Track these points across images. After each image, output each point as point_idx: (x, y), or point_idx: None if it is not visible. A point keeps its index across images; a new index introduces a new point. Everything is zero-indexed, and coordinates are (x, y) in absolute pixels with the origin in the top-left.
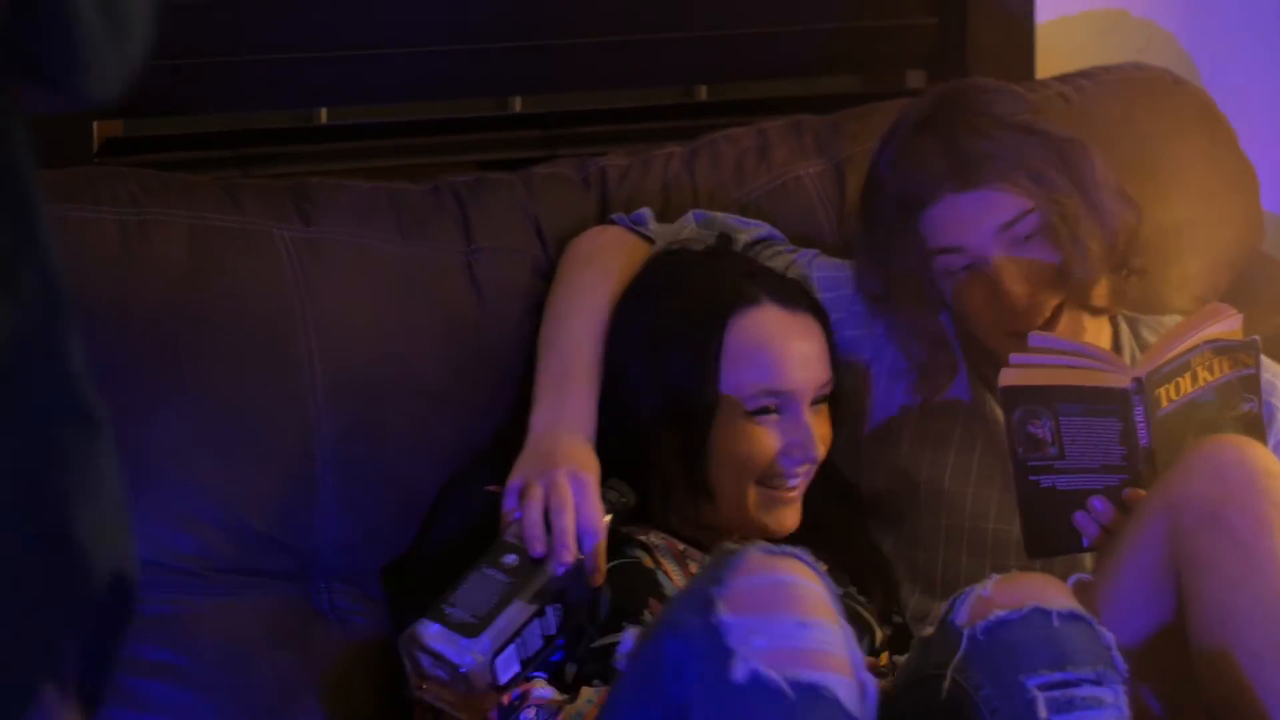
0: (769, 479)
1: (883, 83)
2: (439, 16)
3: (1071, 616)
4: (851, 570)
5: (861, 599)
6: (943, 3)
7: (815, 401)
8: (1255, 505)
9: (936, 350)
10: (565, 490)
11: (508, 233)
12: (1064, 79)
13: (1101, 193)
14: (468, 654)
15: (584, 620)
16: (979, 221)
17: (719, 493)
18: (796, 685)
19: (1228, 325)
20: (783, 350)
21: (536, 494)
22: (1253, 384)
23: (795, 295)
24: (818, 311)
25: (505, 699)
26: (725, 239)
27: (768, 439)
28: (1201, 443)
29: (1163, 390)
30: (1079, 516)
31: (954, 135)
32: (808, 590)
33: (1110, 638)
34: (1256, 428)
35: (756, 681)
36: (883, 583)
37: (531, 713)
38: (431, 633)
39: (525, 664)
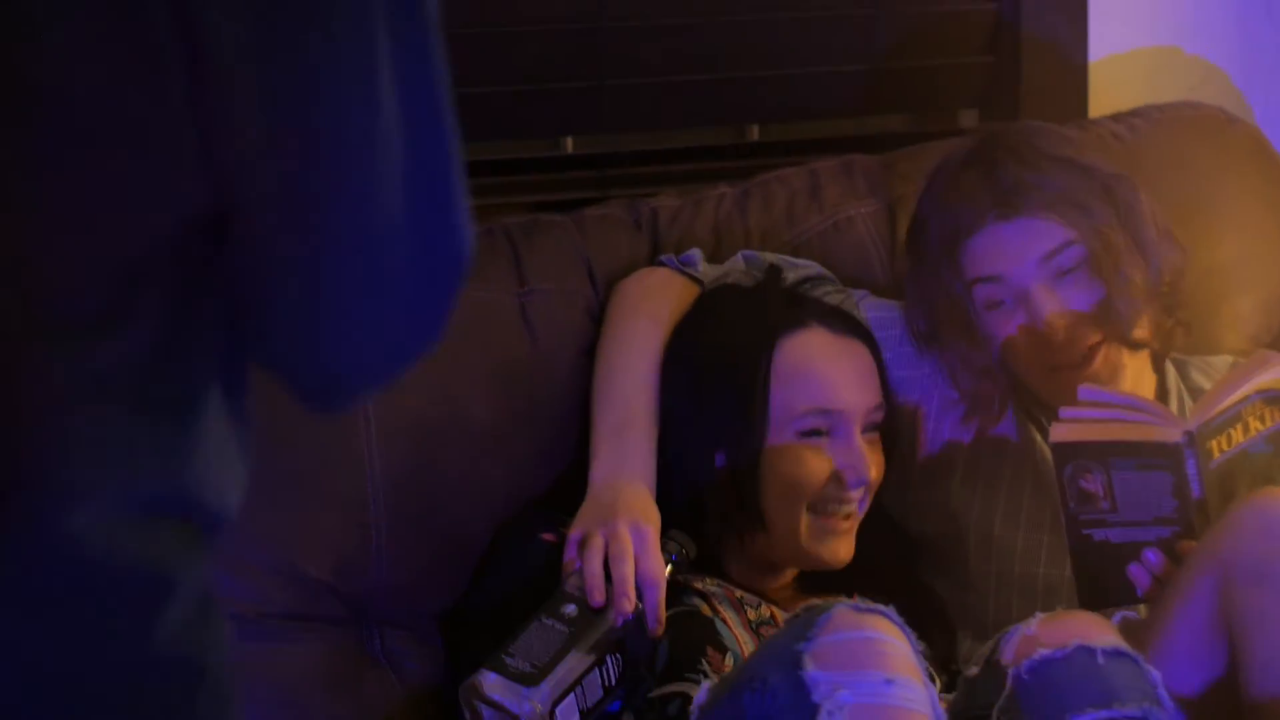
0: (821, 504)
1: (935, 122)
2: (489, 56)
3: (1117, 654)
4: (908, 615)
5: (920, 645)
6: (996, 42)
7: (866, 430)
8: None
9: (985, 381)
10: (626, 540)
11: (560, 274)
12: (1117, 118)
13: (1147, 229)
14: (527, 703)
15: (643, 671)
16: (1021, 251)
17: (771, 521)
18: None
19: (1278, 373)
20: (832, 369)
21: (597, 544)
22: None
23: (844, 322)
24: (868, 339)
25: None
26: (774, 271)
27: (819, 463)
28: (1250, 498)
29: (1214, 442)
30: (1133, 568)
31: (998, 166)
32: (894, 648)
33: (1157, 676)
34: None
35: None
36: (941, 628)
37: None
38: (490, 682)
39: (585, 715)
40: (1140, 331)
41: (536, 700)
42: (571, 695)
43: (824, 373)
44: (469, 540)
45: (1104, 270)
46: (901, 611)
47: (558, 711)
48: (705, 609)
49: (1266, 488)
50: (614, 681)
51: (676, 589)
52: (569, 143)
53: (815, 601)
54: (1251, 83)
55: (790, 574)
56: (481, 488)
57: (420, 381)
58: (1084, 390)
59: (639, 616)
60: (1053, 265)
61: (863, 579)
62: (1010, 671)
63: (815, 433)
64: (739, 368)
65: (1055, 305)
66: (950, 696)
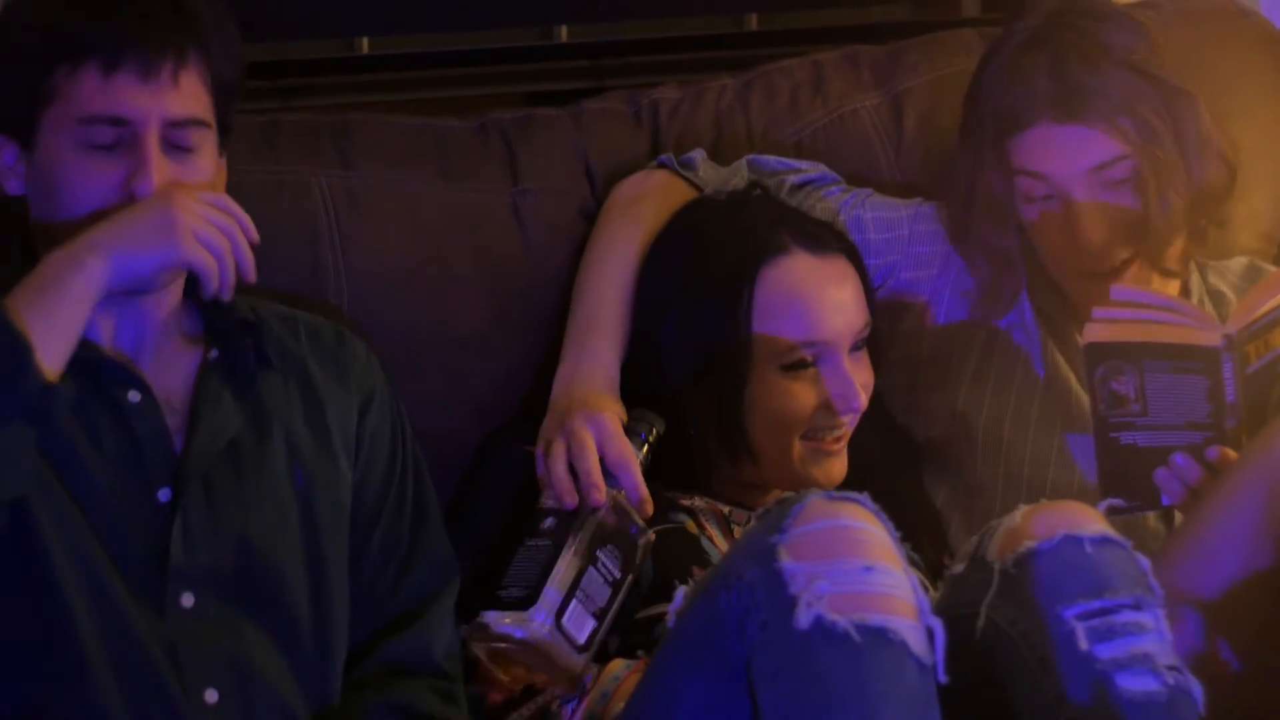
0: (812, 432)
1: (937, 10)
2: None
3: (1105, 541)
4: (900, 522)
5: (914, 555)
6: None
7: (854, 348)
8: None
9: (1003, 269)
10: (583, 434)
11: (556, 173)
12: (1129, 6)
13: (1199, 148)
14: (531, 624)
15: (649, 554)
16: (1072, 157)
17: (760, 451)
18: (863, 629)
19: None
20: (816, 299)
21: (558, 448)
22: None
23: (825, 239)
24: (850, 252)
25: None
26: (754, 184)
27: (807, 394)
28: None
29: (1251, 347)
30: (1160, 473)
31: (1064, 60)
32: (871, 534)
33: (1146, 563)
34: None
35: (821, 627)
36: (932, 535)
37: (555, 703)
38: (490, 619)
39: (601, 615)
40: (1171, 258)
41: (537, 619)
42: (575, 601)
43: (808, 304)
44: (454, 449)
45: (1149, 190)
46: (891, 517)
47: (565, 623)
48: (691, 526)
49: None
50: (619, 574)
51: (662, 506)
52: (563, 31)
53: (787, 495)
54: None
55: (780, 487)
56: (467, 395)
57: (409, 289)
58: (1118, 290)
59: (619, 503)
60: (1101, 176)
61: (853, 485)
62: (996, 566)
63: (802, 364)
64: (720, 299)
65: (1095, 215)
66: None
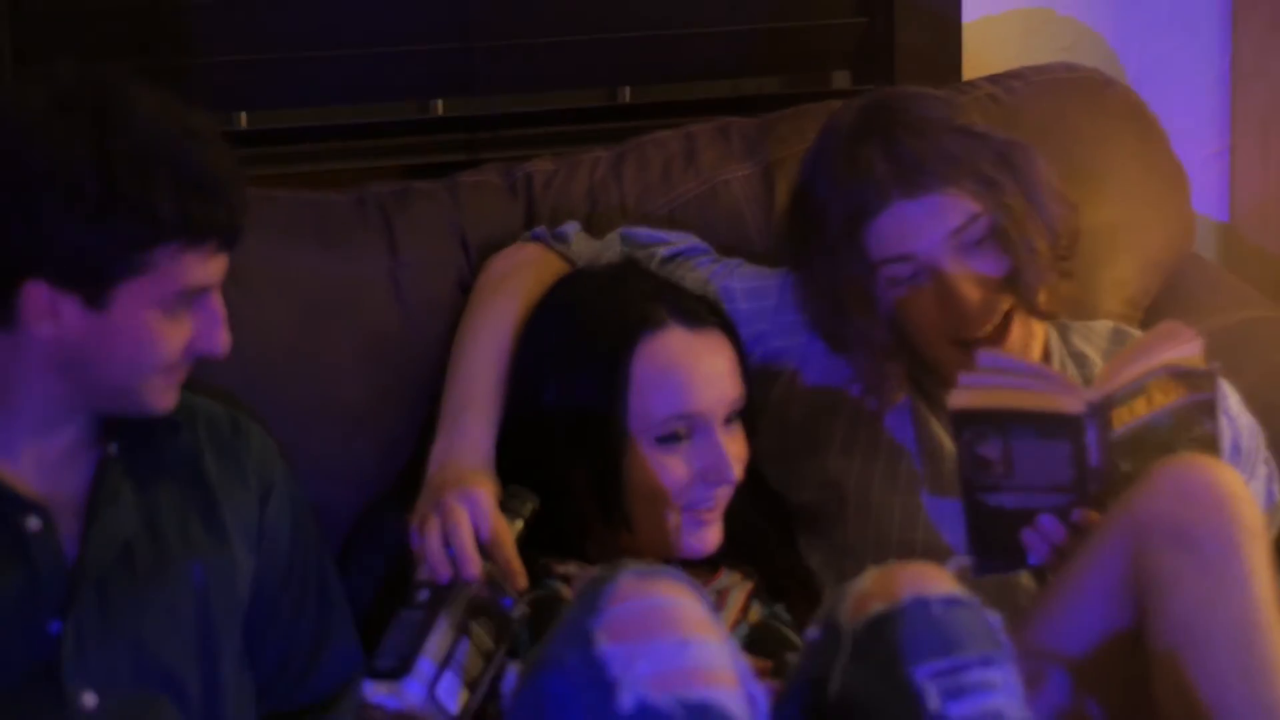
0: (688, 503)
1: (808, 83)
2: (360, 19)
3: (952, 601)
4: (777, 586)
5: (786, 617)
6: (868, 3)
7: (728, 420)
8: (1224, 528)
9: (885, 359)
10: (456, 511)
11: (432, 245)
12: (994, 79)
13: (1044, 194)
14: (404, 693)
15: (523, 625)
16: (929, 228)
17: (636, 521)
18: (685, 705)
19: (1188, 350)
20: (690, 373)
21: (432, 524)
22: (1210, 409)
23: (701, 313)
24: (726, 326)
25: None
26: (630, 260)
27: (681, 466)
28: (1169, 462)
29: (1116, 413)
30: (1027, 534)
31: (895, 141)
32: (686, 609)
33: (996, 619)
34: (1212, 449)
35: (644, 708)
36: (806, 597)
37: None
38: (367, 690)
39: (474, 685)
40: (1044, 301)
41: (410, 689)
42: (449, 671)
43: (682, 377)
44: (336, 522)
45: (1011, 240)
46: (768, 581)
47: (438, 692)
48: (566, 591)
49: (1180, 454)
50: (491, 645)
51: (537, 572)
52: (439, 105)
53: (601, 570)
54: (1126, 44)
55: (652, 552)
56: (348, 468)
57: (290, 363)
58: (983, 356)
59: (492, 576)
60: (962, 239)
61: (729, 549)
62: (848, 629)
63: (675, 436)
64: (596, 372)
65: (968, 277)
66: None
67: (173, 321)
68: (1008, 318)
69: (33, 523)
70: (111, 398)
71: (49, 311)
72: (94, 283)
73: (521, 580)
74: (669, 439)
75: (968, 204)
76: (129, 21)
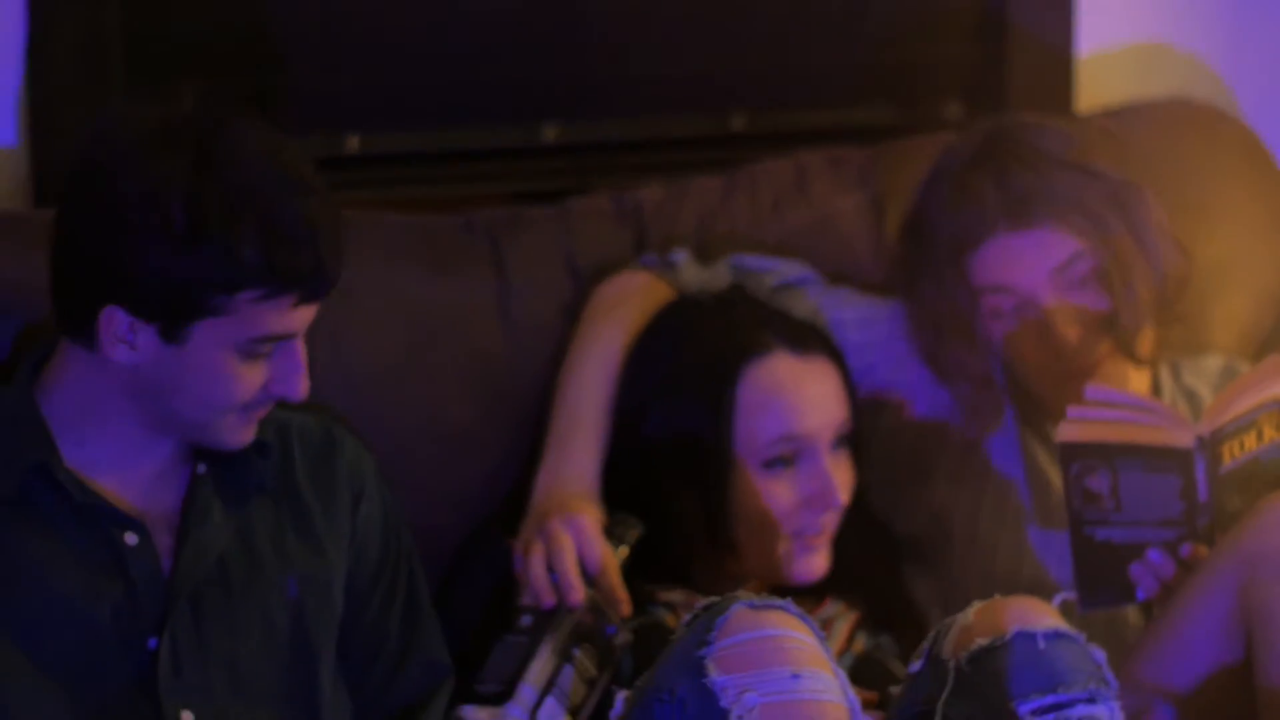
0: (795, 529)
1: (920, 113)
2: (471, 43)
3: (1057, 635)
4: (882, 617)
5: (892, 648)
6: (982, 34)
7: (836, 445)
8: None
9: (984, 388)
10: (561, 537)
11: (541, 270)
12: (1108, 113)
13: (1155, 237)
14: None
15: (625, 651)
16: (1032, 263)
17: (743, 547)
18: None
19: None
20: (796, 395)
21: (537, 549)
22: None
23: (808, 339)
24: (833, 354)
25: None
26: (738, 287)
27: (788, 492)
28: (1277, 496)
29: (1226, 447)
30: (1135, 568)
31: (1007, 172)
32: (796, 641)
33: (1101, 655)
34: None
35: None
36: (912, 629)
37: None
38: (467, 713)
39: (575, 712)
40: (1144, 346)
41: (513, 713)
42: (550, 698)
43: (788, 400)
44: (439, 545)
45: (1113, 283)
46: (876, 614)
47: (540, 717)
48: (670, 620)
49: None
50: (594, 672)
51: (642, 600)
52: (550, 131)
53: (712, 600)
54: (1242, 81)
55: (759, 580)
56: (452, 491)
57: (397, 385)
58: (1092, 390)
59: (595, 603)
60: (1065, 277)
61: (834, 580)
62: (951, 664)
63: (781, 461)
64: (703, 398)
65: (1068, 315)
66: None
67: (249, 364)
68: (1102, 358)
69: (130, 537)
70: (186, 430)
71: (126, 338)
72: (171, 316)
73: (626, 607)
74: (775, 463)
75: (1072, 242)
76: (242, 43)
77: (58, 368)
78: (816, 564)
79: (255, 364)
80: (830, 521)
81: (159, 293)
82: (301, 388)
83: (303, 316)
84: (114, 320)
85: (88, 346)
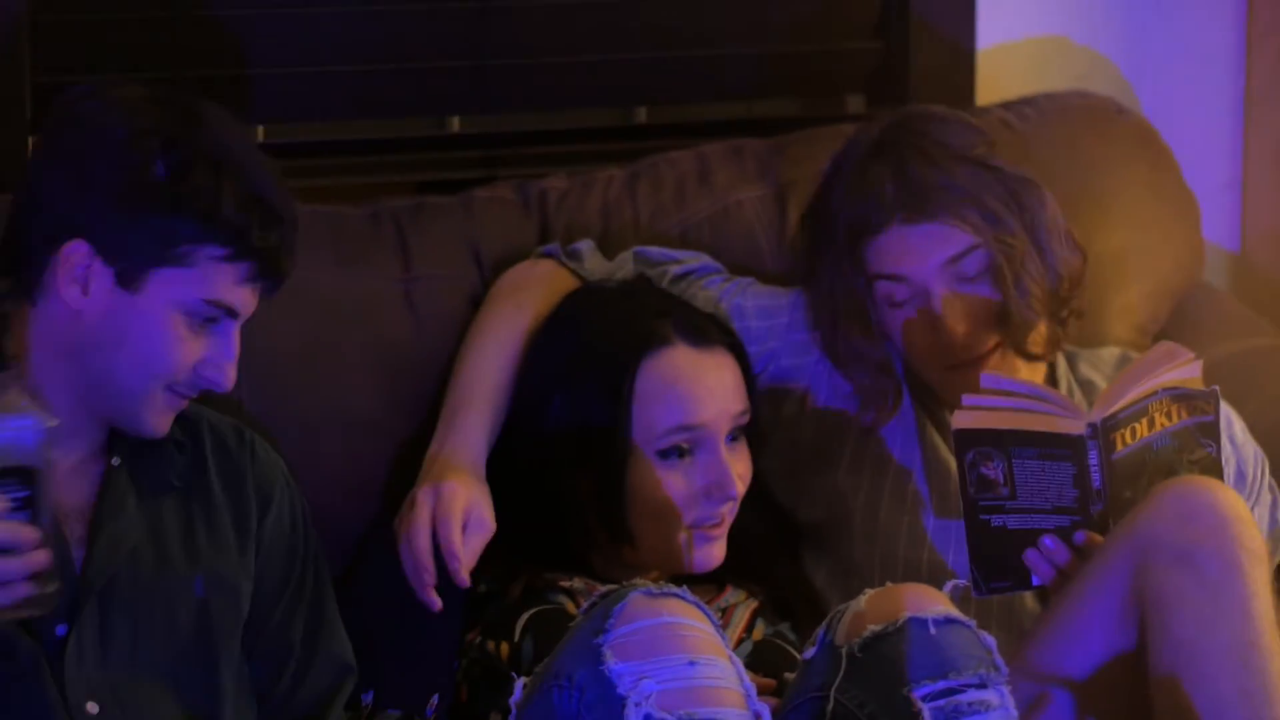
0: (692, 520)
1: (822, 106)
2: (378, 35)
3: (949, 622)
4: (783, 604)
5: (791, 636)
6: (884, 28)
7: (733, 436)
8: (1227, 548)
9: (881, 376)
10: (420, 507)
11: (446, 260)
12: (1007, 106)
13: (1050, 237)
14: None
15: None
16: (925, 253)
17: (640, 537)
18: None
19: (1187, 372)
20: (693, 386)
21: (405, 521)
22: (1211, 430)
23: (708, 331)
24: (733, 345)
25: None
26: (641, 277)
27: (683, 483)
28: (1172, 484)
29: (1118, 435)
30: (1030, 554)
31: (907, 163)
32: (692, 629)
33: (991, 640)
34: (1214, 471)
35: None
36: (815, 616)
37: None
38: None
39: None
40: (1036, 343)
41: None
42: None
43: (685, 390)
44: (348, 532)
45: (1004, 279)
46: (774, 600)
47: None
48: (570, 607)
49: (1182, 475)
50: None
51: (542, 586)
52: (455, 122)
53: (610, 588)
54: (1140, 73)
55: (657, 569)
56: (361, 478)
57: (303, 373)
58: (987, 378)
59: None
60: (956, 270)
61: (733, 568)
62: (843, 649)
63: (677, 451)
64: (602, 387)
65: (956, 307)
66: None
67: (190, 335)
68: (991, 351)
69: None
70: (113, 399)
71: (80, 278)
72: (134, 260)
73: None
74: (671, 453)
75: (966, 235)
76: (149, 36)
77: None
78: (714, 554)
79: (194, 337)
80: (728, 512)
81: (130, 231)
82: (230, 377)
83: (248, 298)
84: (74, 257)
85: (29, 294)
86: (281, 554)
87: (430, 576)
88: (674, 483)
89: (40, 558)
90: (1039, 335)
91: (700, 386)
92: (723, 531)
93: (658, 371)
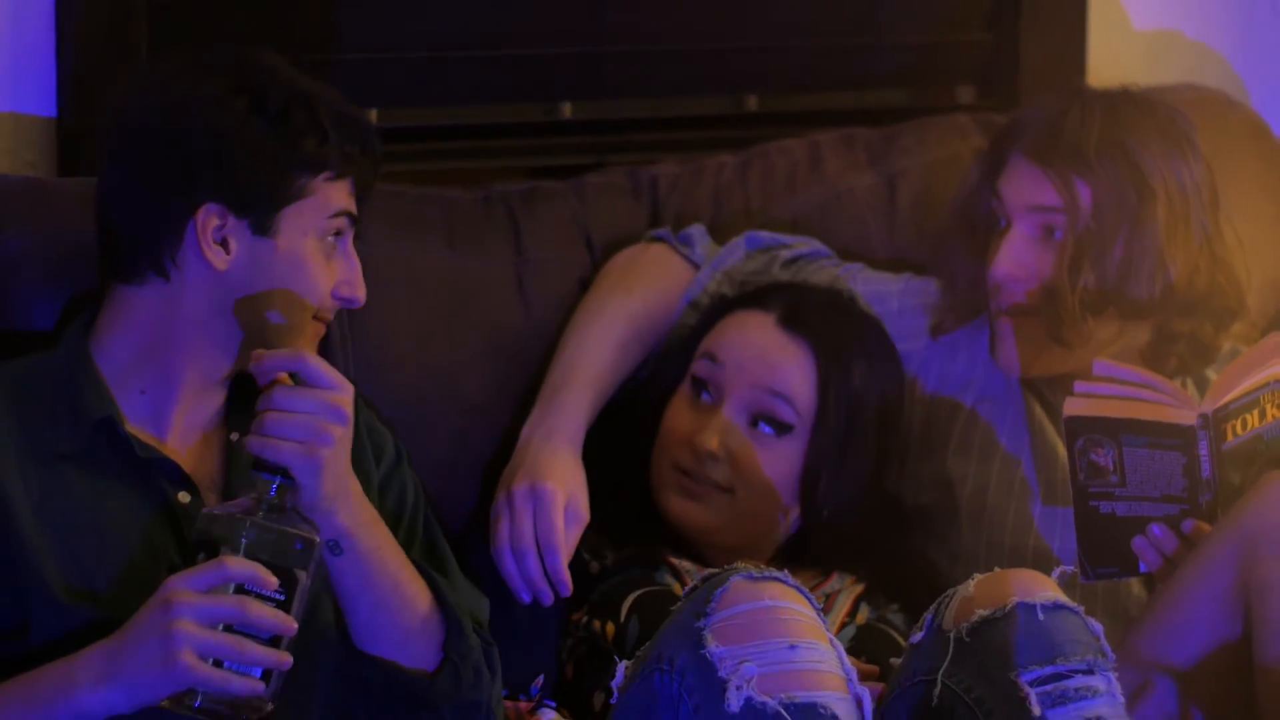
0: (674, 463)
1: (933, 97)
2: (492, 21)
3: (1057, 607)
4: (895, 586)
5: (897, 620)
6: (995, 19)
7: (757, 419)
8: None
9: (967, 289)
10: (521, 512)
11: (558, 243)
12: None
13: (1132, 248)
14: None
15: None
16: (1023, 190)
17: (651, 469)
18: (792, 707)
19: None
20: (743, 336)
21: (502, 525)
22: None
23: (800, 323)
24: (816, 346)
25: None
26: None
27: (681, 418)
28: (1276, 474)
29: (1229, 425)
30: (1138, 541)
31: (1089, 113)
32: (793, 612)
33: (1099, 627)
34: None
35: (751, 708)
36: (927, 601)
37: None
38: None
39: None
40: (1069, 330)
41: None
42: None
43: (732, 334)
44: (456, 510)
45: (1062, 254)
46: (883, 582)
47: None
48: (677, 587)
49: None
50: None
51: (651, 563)
52: (567, 108)
53: (712, 571)
54: (1250, 68)
55: (765, 554)
56: (470, 458)
57: (415, 356)
58: (1099, 365)
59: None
60: (1041, 220)
61: (839, 552)
62: (951, 634)
63: (704, 385)
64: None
65: (1016, 244)
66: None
67: (325, 260)
68: (1016, 307)
69: (183, 496)
70: (267, 338)
71: (220, 238)
72: (264, 206)
73: (567, 589)
74: (699, 383)
75: (1058, 196)
76: (261, 17)
77: (115, 318)
78: (687, 510)
79: (328, 263)
80: (704, 476)
81: (251, 184)
82: (362, 290)
83: (355, 206)
84: (210, 220)
85: (163, 274)
86: (393, 503)
87: (545, 592)
88: (676, 411)
89: (288, 659)
90: (1084, 329)
91: (747, 343)
92: (697, 491)
93: (732, 320)
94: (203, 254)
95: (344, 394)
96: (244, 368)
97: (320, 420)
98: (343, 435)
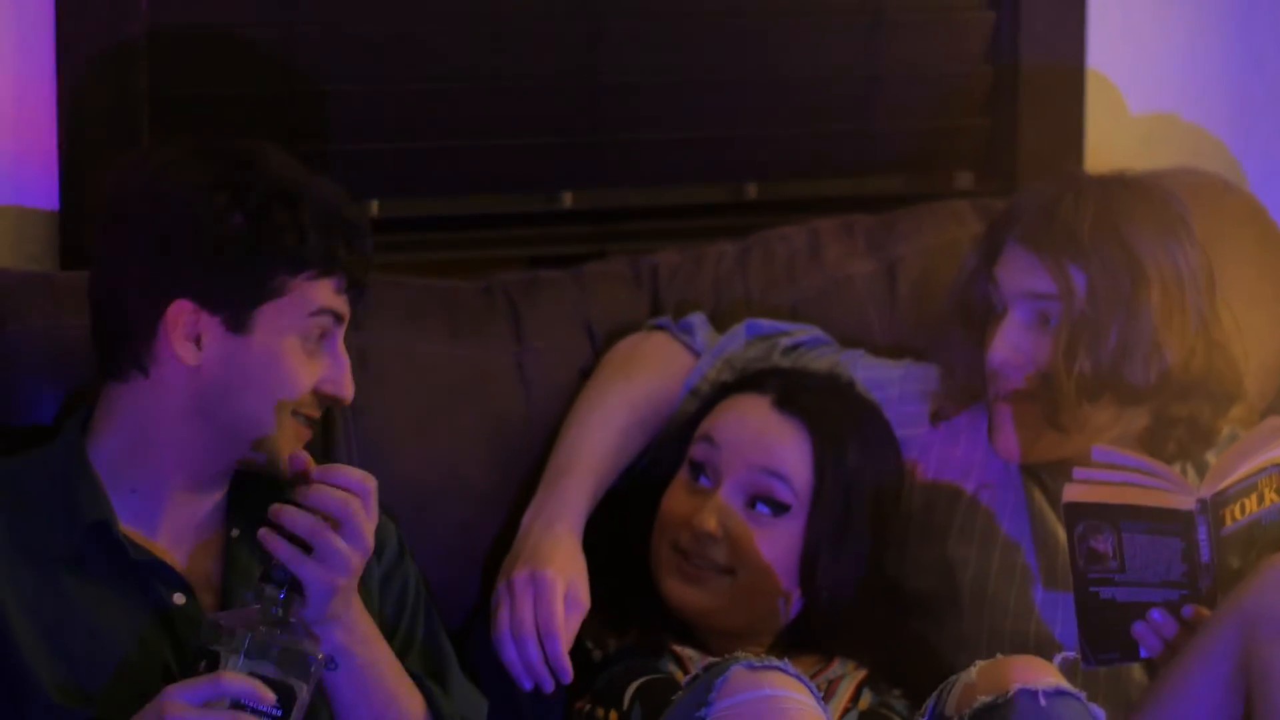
0: (673, 542)
1: (932, 183)
2: (491, 111)
3: (1059, 694)
4: (898, 671)
5: (899, 706)
6: (993, 105)
7: (755, 499)
8: None
9: (966, 374)
10: (521, 598)
11: (559, 333)
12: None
13: (1127, 334)
14: None
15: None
16: (1019, 277)
17: (649, 552)
18: None
19: None
20: (739, 419)
21: (503, 611)
22: None
23: (793, 404)
24: (812, 428)
25: None
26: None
27: (679, 501)
28: (1276, 557)
29: (1228, 510)
30: (1138, 627)
31: (1083, 199)
32: (794, 702)
33: (1100, 712)
34: None
35: None
36: (928, 687)
37: None
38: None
39: None
40: (1065, 415)
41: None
42: None
43: (729, 416)
44: (460, 601)
45: (1058, 340)
46: (884, 668)
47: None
48: (679, 675)
49: None
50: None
51: (655, 650)
52: (567, 197)
53: (713, 660)
54: (1248, 150)
55: (766, 640)
56: (473, 548)
57: (416, 445)
58: (1098, 451)
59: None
60: (1037, 308)
61: (849, 636)
62: None
63: (701, 469)
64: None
65: (1012, 331)
66: None
67: (306, 356)
68: (1016, 394)
69: (178, 597)
70: (248, 433)
71: (192, 334)
72: (238, 303)
73: (567, 676)
74: (697, 467)
75: (1052, 284)
76: (263, 109)
77: (105, 415)
78: (686, 593)
79: (310, 358)
80: (703, 558)
81: (225, 280)
82: (349, 386)
83: (344, 305)
84: (181, 316)
85: (142, 370)
86: (392, 603)
87: (545, 679)
88: (675, 492)
89: None
90: (1080, 415)
91: (742, 424)
92: (696, 574)
93: (731, 404)
94: (174, 350)
95: (372, 526)
96: (239, 464)
97: (347, 551)
98: (361, 564)
